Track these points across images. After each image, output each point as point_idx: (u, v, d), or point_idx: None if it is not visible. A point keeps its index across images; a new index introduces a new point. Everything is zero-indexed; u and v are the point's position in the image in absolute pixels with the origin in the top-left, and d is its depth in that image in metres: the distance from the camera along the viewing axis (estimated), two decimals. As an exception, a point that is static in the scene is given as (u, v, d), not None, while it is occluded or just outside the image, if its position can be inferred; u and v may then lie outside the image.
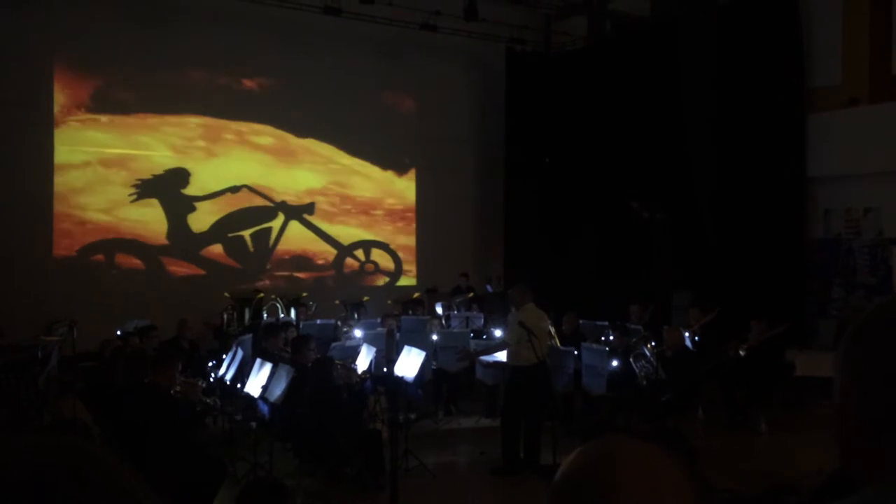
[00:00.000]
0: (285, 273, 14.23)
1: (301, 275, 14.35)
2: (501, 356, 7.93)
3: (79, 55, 12.42)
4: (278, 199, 14.15)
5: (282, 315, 11.15)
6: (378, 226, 15.20)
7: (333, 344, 9.24)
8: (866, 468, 1.05)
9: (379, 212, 15.20)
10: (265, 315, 11.16)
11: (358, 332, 9.69)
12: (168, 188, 13.22)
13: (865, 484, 1.04)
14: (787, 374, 9.63)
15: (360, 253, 15.04)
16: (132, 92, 12.88)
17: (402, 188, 15.41)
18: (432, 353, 9.12)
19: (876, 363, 1.05)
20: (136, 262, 13.01)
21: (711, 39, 12.35)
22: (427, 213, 15.33)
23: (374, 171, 15.10)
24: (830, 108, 11.57)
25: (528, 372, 7.26)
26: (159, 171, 13.16)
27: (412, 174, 15.44)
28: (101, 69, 12.61)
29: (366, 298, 12.13)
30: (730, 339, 9.47)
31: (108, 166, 12.81)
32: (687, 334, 9.71)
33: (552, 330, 8.78)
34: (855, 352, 1.10)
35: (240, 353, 7.72)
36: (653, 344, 8.99)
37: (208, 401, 6.53)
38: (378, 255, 15.22)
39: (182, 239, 13.33)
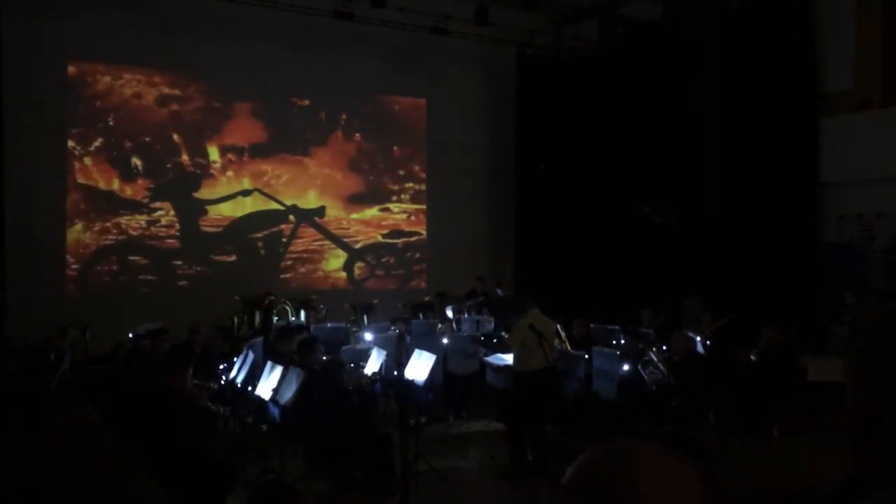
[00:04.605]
0: (296, 276, 14.26)
1: (311, 278, 14.39)
2: (511, 360, 7.94)
3: (92, 62, 12.51)
4: (289, 202, 14.20)
5: (292, 318, 11.16)
6: (389, 229, 15.21)
7: (344, 347, 9.26)
8: (879, 473, 1.05)
9: (389, 215, 15.22)
10: (275, 318, 11.18)
11: (368, 336, 9.69)
12: (180, 192, 13.28)
13: (878, 488, 1.03)
14: (800, 380, 9.57)
15: (370, 256, 15.06)
16: (144, 97, 12.96)
17: (413, 192, 15.43)
18: (442, 356, 9.11)
19: (886, 369, 1.05)
20: (149, 266, 13.08)
21: (723, 43, 12.32)
22: (438, 217, 15.34)
23: (385, 175, 15.13)
24: (843, 112, 11.50)
25: (534, 377, 7.27)
26: (172, 175, 13.23)
27: (423, 178, 15.45)
28: (113, 75, 12.70)
29: (375, 301, 12.13)
30: (742, 344, 9.43)
31: (121, 170, 12.88)
32: (699, 339, 9.68)
33: (563, 334, 8.79)
34: (865, 358, 1.10)
35: (251, 356, 7.74)
36: (664, 349, 8.96)
37: (212, 406, 6.54)
38: (388, 259, 15.23)
39: (193, 242, 13.39)
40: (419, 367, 7.48)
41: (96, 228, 12.70)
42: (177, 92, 13.27)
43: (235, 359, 8.18)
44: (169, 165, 13.24)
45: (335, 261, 14.73)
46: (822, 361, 9.75)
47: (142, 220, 13.01)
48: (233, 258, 13.74)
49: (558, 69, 15.17)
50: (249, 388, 7.23)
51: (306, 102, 14.41)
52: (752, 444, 8.50)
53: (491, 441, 8.45)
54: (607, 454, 0.96)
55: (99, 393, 7.73)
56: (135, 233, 12.97)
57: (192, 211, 13.41)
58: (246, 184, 13.83)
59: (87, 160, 12.65)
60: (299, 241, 14.37)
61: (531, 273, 14.41)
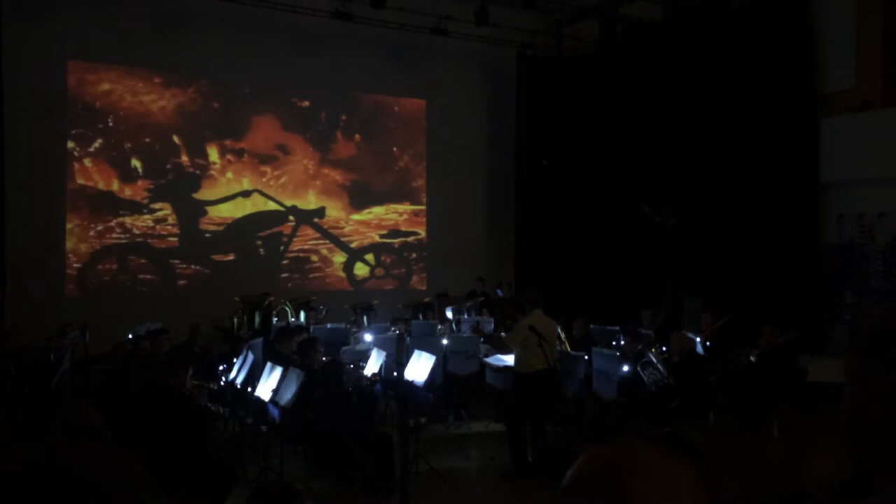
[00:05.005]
0: (296, 277, 14.26)
1: (311, 278, 14.38)
2: (511, 361, 7.94)
3: (92, 62, 12.51)
4: (289, 203, 14.19)
5: (292, 319, 11.17)
6: (389, 230, 15.21)
7: (344, 348, 9.26)
8: (879, 473, 1.05)
9: (389, 216, 15.22)
10: (275, 319, 11.19)
11: (368, 336, 9.70)
12: (180, 193, 13.28)
13: (878, 489, 1.03)
14: (800, 380, 9.57)
15: (370, 257, 15.06)
16: (144, 98, 12.96)
17: (414, 193, 15.43)
18: (442, 357, 9.11)
19: (886, 369, 1.05)
20: (148, 266, 13.08)
21: (723, 43, 12.32)
22: (438, 218, 15.34)
23: (385, 175, 15.13)
24: (844, 112, 11.50)
25: (534, 377, 7.27)
26: (172, 175, 13.23)
27: (423, 179, 15.45)
28: (113, 74, 12.70)
29: (375, 302, 12.14)
30: (742, 344, 9.43)
31: (121, 171, 12.88)
32: (698, 339, 9.68)
33: (563, 335, 8.78)
34: (865, 358, 1.10)
35: (250, 357, 7.74)
36: (664, 349, 8.95)
37: (212, 407, 6.55)
38: (388, 260, 15.23)
39: (193, 243, 13.38)
40: (419, 367, 7.49)
41: (97, 228, 12.70)
42: (177, 92, 13.26)
43: (235, 359, 8.18)
44: (169, 166, 13.24)
45: (335, 261, 14.72)
46: (822, 361, 9.75)
47: (142, 220, 13.01)
48: (233, 258, 13.74)
49: (558, 69, 15.17)
50: (249, 389, 7.24)
51: (306, 103, 14.41)
52: (752, 444, 8.50)
53: (491, 441, 8.46)
54: (607, 455, 0.96)
55: (99, 393, 7.75)
56: (135, 232, 12.97)
57: (192, 211, 13.40)
58: (246, 184, 13.83)
59: (87, 161, 12.65)
60: (299, 240, 14.37)
61: (531, 273, 14.40)
